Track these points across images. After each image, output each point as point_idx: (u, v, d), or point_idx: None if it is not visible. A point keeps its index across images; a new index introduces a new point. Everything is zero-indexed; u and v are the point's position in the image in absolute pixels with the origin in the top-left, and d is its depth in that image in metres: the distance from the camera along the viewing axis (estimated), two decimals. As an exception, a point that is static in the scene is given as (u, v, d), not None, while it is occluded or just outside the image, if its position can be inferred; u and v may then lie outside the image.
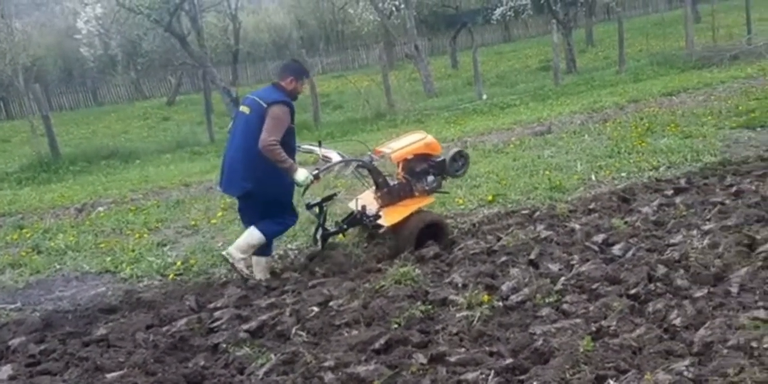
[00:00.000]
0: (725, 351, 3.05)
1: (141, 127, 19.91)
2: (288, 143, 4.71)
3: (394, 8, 21.75)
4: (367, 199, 5.17)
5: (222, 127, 16.52)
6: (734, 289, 3.76)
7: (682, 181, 6.18)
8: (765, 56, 14.41)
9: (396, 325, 3.78)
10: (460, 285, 4.20)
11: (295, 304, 4.23)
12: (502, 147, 8.89)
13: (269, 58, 32.84)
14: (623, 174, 6.86)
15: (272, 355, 3.56)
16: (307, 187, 4.75)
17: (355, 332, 3.75)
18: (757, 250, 4.27)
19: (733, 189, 5.67)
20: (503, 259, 4.61)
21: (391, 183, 5.18)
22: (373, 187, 5.18)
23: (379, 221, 4.99)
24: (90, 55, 27.96)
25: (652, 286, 3.90)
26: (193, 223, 6.88)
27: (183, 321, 4.16)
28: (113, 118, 22.65)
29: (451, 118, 12.89)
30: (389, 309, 3.94)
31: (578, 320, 3.59)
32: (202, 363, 3.63)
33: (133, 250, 6.09)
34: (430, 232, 5.13)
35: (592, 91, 13.75)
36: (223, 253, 4.90)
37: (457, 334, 3.58)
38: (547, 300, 3.90)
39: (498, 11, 24.09)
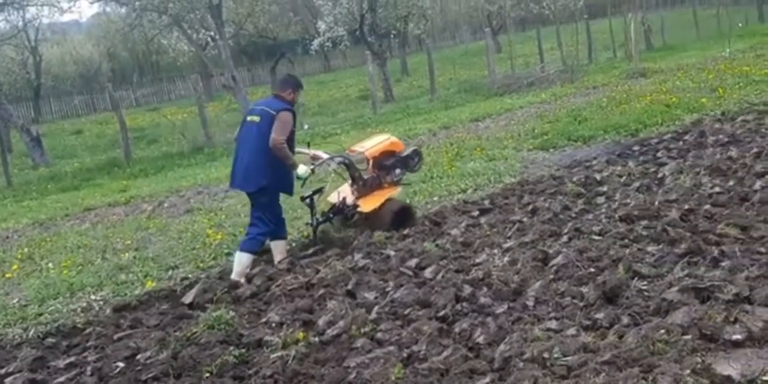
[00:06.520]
0: (521, 364, 3.23)
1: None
2: (290, 144, 5.50)
3: (209, 39, 21.34)
4: (345, 192, 6.07)
5: (22, 168, 15.17)
6: (530, 303, 4.01)
7: (486, 202, 6.59)
8: (555, 83, 15.95)
9: (207, 374, 3.61)
10: (276, 324, 4.12)
11: (97, 362, 3.91)
12: (323, 176, 8.95)
13: (77, 92, 30.85)
14: (435, 198, 7.18)
15: (69, 423, 3.24)
16: (305, 180, 5.59)
17: (163, 386, 3.53)
18: (549, 263, 4.62)
19: (530, 207, 6.12)
20: (321, 292, 4.59)
21: (365, 176, 6.06)
22: (349, 181, 6.09)
23: (359, 209, 5.89)
24: None
25: (459, 307, 4.06)
26: (-17, 278, 6.18)
27: (-36, 394, 3.69)
28: None
29: (272, 148, 12.81)
30: (200, 357, 3.76)
31: (391, 348, 3.64)
32: (-15, 441, 3.23)
33: None
34: (401, 215, 6.02)
35: (408, 119, 14.38)
36: (234, 279, 5.33)
37: (271, 376, 3.49)
38: (362, 330, 3.91)
39: (316, 42, 24.44)
